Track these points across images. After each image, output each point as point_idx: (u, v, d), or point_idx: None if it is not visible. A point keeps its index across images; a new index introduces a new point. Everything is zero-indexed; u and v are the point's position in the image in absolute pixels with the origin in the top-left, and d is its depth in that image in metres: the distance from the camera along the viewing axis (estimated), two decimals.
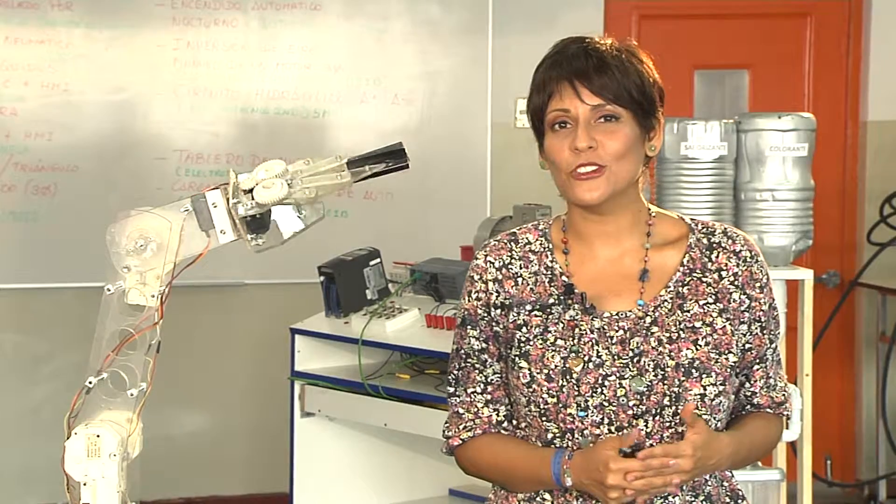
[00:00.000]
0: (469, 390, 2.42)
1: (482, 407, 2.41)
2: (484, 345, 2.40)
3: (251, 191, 2.56)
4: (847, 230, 6.62)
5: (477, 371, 2.41)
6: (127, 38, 5.98)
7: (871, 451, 6.50)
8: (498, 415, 2.41)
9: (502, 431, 2.41)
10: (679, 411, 2.29)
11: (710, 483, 2.38)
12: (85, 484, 2.46)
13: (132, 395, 2.50)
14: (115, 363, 2.49)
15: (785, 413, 2.46)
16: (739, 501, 2.44)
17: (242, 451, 6.27)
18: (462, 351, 2.43)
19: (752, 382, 2.42)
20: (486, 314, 2.40)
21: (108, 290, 2.52)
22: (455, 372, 2.44)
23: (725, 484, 2.43)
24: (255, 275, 6.10)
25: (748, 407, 2.43)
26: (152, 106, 6.03)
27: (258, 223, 2.56)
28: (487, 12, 6.25)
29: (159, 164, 6.03)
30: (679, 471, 2.21)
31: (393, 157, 2.60)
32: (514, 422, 2.41)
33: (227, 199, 2.56)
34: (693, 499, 2.35)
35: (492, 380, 2.41)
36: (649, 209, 2.42)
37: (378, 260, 4.69)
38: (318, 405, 4.65)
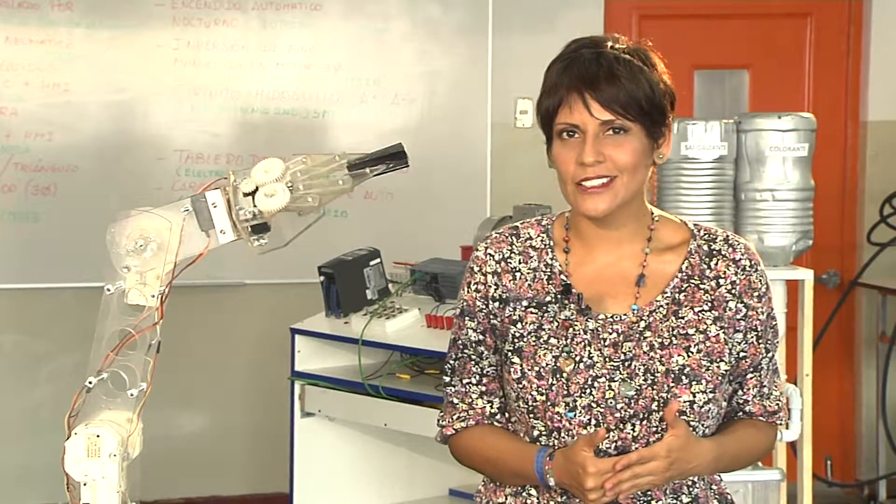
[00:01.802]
0: (465, 381, 2.43)
1: (476, 398, 2.42)
2: (481, 336, 2.41)
3: (252, 194, 2.56)
4: (847, 230, 6.62)
5: (473, 362, 2.42)
6: (127, 38, 5.98)
7: (871, 451, 6.50)
8: (492, 406, 2.42)
9: (495, 423, 2.42)
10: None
11: (697, 486, 2.38)
12: (85, 484, 2.46)
13: (132, 394, 2.50)
14: (115, 363, 2.49)
15: (778, 422, 2.46)
16: None
17: (242, 451, 6.27)
18: (459, 341, 2.44)
19: (744, 390, 2.42)
20: (484, 306, 2.40)
21: (108, 290, 2.51)
22: (451, 362, 2.45)
23: (714, 487, 2.43)
24: (255, 275, 6.10)
25: (740, 414, 2.43)
26: (152, 106, 6.03)
27: (261, 225, 2.57)
28: (487, 12, 6.24)
29: (159, 164, 6.03)
30: (652, 472, 2.23)
31: (393, 159, 2.60)
32: (508, 415, 2.42)
33: (228, 199, 2.56)
34: (675, 500, 2.35)
35: (487, 371, 2.42)
36: (652, 213, 2.42)
37: (378, 260, 4.69)
38: (318, 405, 4.65)
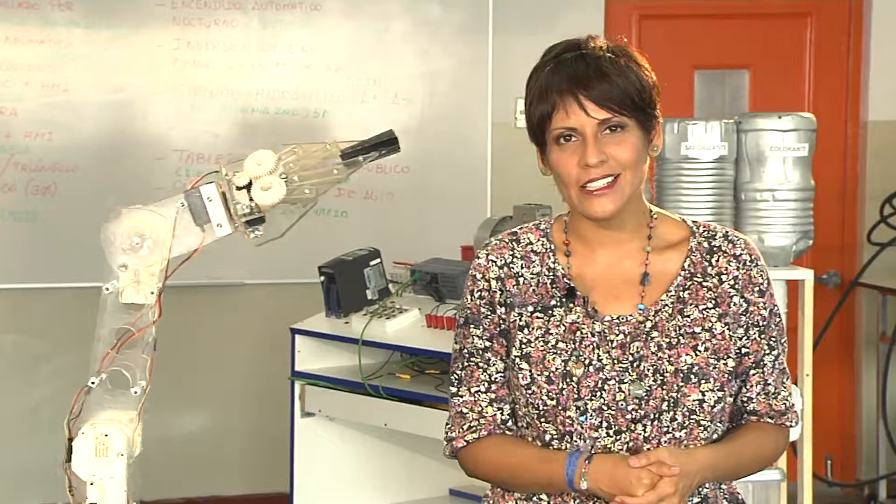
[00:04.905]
0: (473, 389, 2.40)
1: (486, 406, 2.39)
2: (488, 343, 2.39)
3: (246, 187, 2.55)
4: (847, 230, 6.62)
5: (481, 370, 2.40)
6: (127, 38, 5.98)
7: (871, 451, 6.50)
8: (503, 413, 2.39)
9: (507, 432, 2.39)
10: (678, 416, 2.29)
11: (706, 485, 2.37)
12: (92, 483, 2.46)
13: (135, 392, 2.50)
14: (115, 362, 2.49)
15: (787, 424, 2.42)
16: None
17: (242, 451, 6.27)
18: (465, 350, 2.41)
19: (747, 388, 2.39)
20: (490, 312, 2.38)
21: (107, 289, 2.51)
22: (458, 372, 2.42)
23: (724, 487, 2.42)
24: (255, 275, 6.10)
25: (746, 414, 2.41)
26: (152, 106, 6.03)
27: (256, 218, 2.56)
28: (487, 12, 6.24)
29: (159, 164, 6.02)
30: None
31: (385, 145, 2.60)
32: (516, 420, 2.40)
33: (223, 193, 2.55)
34: (688, 500, 2.34)
35: (496, 378, 2.39)
36: (650, 210, 2.41)
37: (378, 260, 4.69)
38: (318, 405, 4.65)
